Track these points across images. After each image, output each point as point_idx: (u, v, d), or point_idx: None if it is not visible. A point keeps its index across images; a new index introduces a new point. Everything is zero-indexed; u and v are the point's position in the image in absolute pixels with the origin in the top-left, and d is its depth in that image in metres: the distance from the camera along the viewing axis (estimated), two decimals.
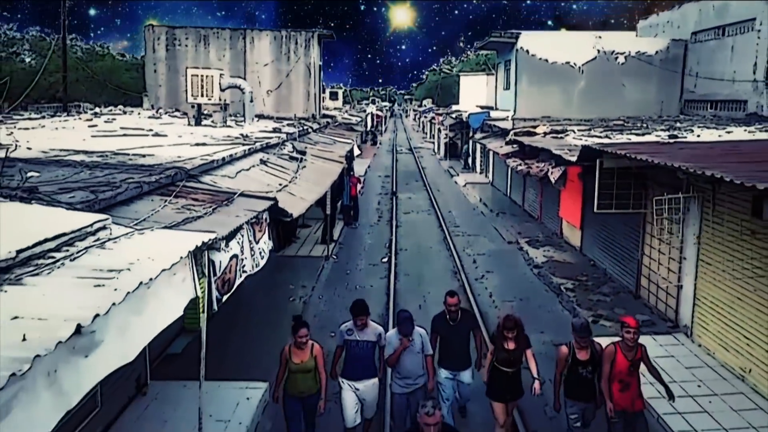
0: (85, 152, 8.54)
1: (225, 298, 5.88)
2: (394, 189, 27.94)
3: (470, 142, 32.75)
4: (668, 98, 23.89)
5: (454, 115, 36.29)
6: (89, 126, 13.68)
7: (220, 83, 15.29)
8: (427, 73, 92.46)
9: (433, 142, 52.99)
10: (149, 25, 23.37)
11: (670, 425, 7.37)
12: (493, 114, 25.40)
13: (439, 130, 45.56)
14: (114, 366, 3.52)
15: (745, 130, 14.99)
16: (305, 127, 18.25)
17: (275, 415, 7.26)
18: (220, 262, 5.60)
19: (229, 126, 15.78)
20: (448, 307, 6.99)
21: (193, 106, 15.55)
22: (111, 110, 19.78)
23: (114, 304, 3.34)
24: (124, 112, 20.06)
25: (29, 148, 8.72)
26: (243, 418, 7.16)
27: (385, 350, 6.61)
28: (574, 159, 10.50)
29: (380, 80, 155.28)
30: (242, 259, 6.31)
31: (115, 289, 3.53)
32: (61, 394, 3.01)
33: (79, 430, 6.17)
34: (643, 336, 10.09)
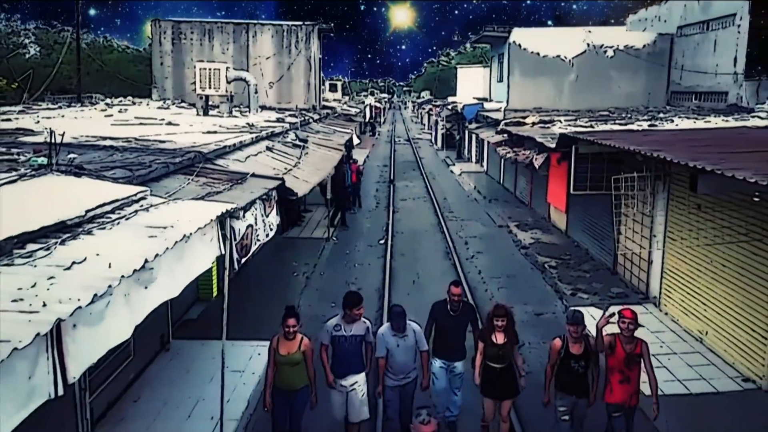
0: (112, 138, 9.50)
1: (243, 260, 6.86)
2: (392, 177, 28.93)
3: (465, 132, 33.69)
4: (655, 90, 24.82)
5: (450, 107, 37.20)
6: (105, 116, 14.63)
7: (226, 76, 16.22)
8: (425, 65, 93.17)
9: (431, 134, 53.89)
10: (155, 19, 24.24)
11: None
12: (487, 105, 26.34)
13: (437, 121, 46.49)
14: (164, 298, 4.52)
15: (722, 119, 15.94)
16: (306, 118, 19.20)
17: None
18: (239, 229, 6.59)
19: (235, 116, 16.74)
20: (451, 297, 6.79)
21: (201, 97, 16.49)
22: (121, 101, 20.69)
23: (168, 248, 4.33)
24: (133, 103, 20.97)
25: (61, 135, 9.66)
26: (255, 369, 8.19)
27: (377, 347, 6.47)
28: (553, 146, 11.48)
29: (386, 78, 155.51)
30: (256, 229, 7.30)
31: (165, 239, 4.52)
32: (132, 312, 4.02)
33: (117, 373, 7.19)
34: (616, 306, 11.23)
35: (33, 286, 3.27)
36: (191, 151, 8.57)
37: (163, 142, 9.62)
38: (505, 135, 17.74)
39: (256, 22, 25.50)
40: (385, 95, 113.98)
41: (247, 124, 14.38)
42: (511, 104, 24.54)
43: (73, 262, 3.70)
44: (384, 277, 13.30)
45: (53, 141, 6.19)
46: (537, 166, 13.59)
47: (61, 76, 22.91)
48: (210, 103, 17.42)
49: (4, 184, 5.34)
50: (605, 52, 24.75)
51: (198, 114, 16.40)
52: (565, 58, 24.79)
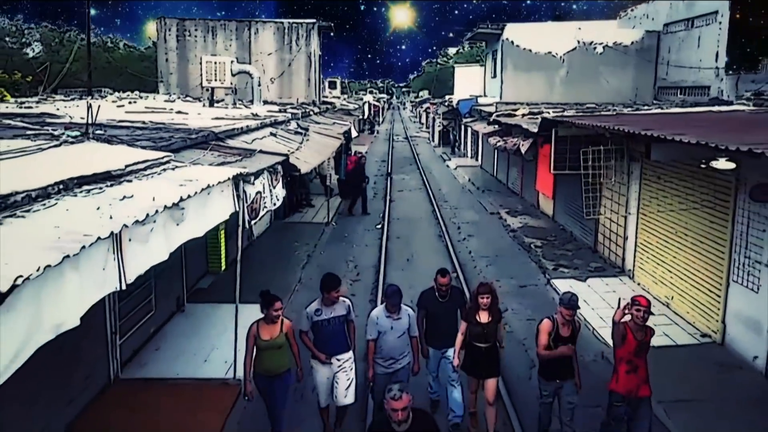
0: (130, 122, 10.42)
1: (253, 222, 7.78)
2: (389, 171, 29.85)
3: (461, 127, 34.60)
4: (643, 85, 25.75)
5: (447, 104, 38.16)
6: (117, 106, 15.53)
7: (231, 69, 17.14)
8: (424, 65, 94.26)
9: (429, 132, 54.82)
10: (161, 17, 25.16)
11: (602, 336, 9.31)
12: (481, 100, 27.28)
13: (434, 119, 47.43)
14: (191, 236, 5.44)
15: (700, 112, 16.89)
16: (307, 110, 20.12)
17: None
18: (250, 193, 7.50)
19: (239, 108, 17.66)
20: (438, 287, 6.74)
21: (207, 89, 17.41)
22: (128, 95, 21.57)
23: (195, 192, 5.26)
24: (141, 97, 21.87)
25: (82, 118, 10.59)
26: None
27: (368, 329, 6.38)
28: (536, 130, 12.42)
29: (384, 79, 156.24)
30: (264, 197, 8.21)
31: (192, 188, 5.43)
32: (168, 241, 4.94)
33: (141, 324, 8.11)
34: (593, 278, 12.19)
35: (98, 209, 4.19)
36: (204, 131, 9.48)
37: (177, 124, 10.53)
38: (496, 126, 18.66)
39: (258, 19, 26.43)
40: (384, 95, 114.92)
41: (252, 113, 15.30)
42: (503, 98, 25.47)
43: (124, 196, 4.62)
44: (380, 256, 14.21)
45: (89, 114, 7.10)
46: (523, 152, 14.51)
47: (69, 71, 23.83)
48: (215, 97, 18.35)
49: (50, 147, 6.26)
50: (594, 48, 25.69)
51: (204, 105, 17.32)
52: (556, 54, 25.72)
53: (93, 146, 6.56)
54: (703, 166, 7.54)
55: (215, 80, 17.15)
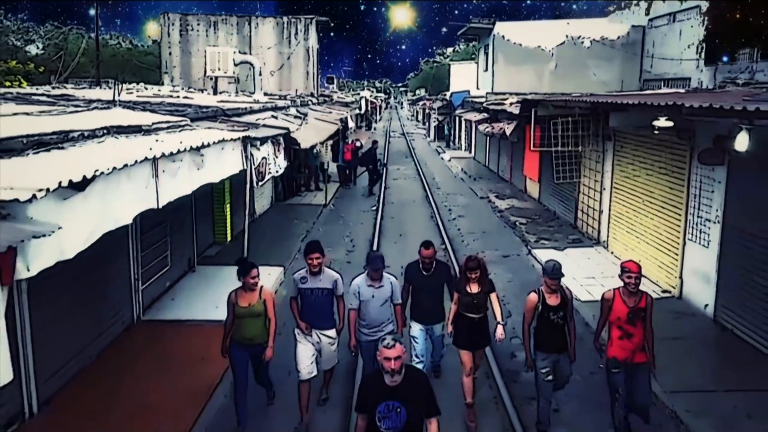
0: (146, 101, 11.38)
1: (259, 184, 8.75)
2: (385, 162, 30.82)
3: (455, 120, 35.59)
4: (628, 77, 26.79)
5: (441, 99, 39.19)
6: (128, 93, 16.47)
7: (233, 59, 18.10)
8: (421, 64, 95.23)
9: (425, 128, 55.86)
10: (164, 12, 26.10)
11: (578, 296, 10.27)
12: (473, 92, 28.29)
13: (429, 115, 48.48)
14: (208, 180, 6.41)
15: None
16: (306, 100, 21.09)
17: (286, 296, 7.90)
18: (257, 157, 8.48)
19: (241, 96, 18.62)
20: (422, 259, 6.59)
21: (210, 79, 18.37)
22: (134, 86, 22.50)
23: (213, 142, 6.23)
24: (146, 88, 22.82)
25: (121, 83, 11.55)
26: (267, 282, 10.05)
27: (350, 298, 6.23)
28: (517, 111, 13.41)
29: (382, 79, 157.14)
30: (269, 163, 9.19)
31: (210, 139, 6.41)
32: (191, 180, 5.91)
33: (158, 276, 9.08)
34: (571, 248, 13.17)
35: (138, 145, 5.15)
36: (213, 107, 10.45)
37: (188, 103, 11.49)
38: (486, 114, 19.64)
39: (258, 15, 27.39)
40: (382, 94, 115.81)
41: (253, 100, 16.26)
42: (495, 90, 26.47)
43: (156, 140, 5.59)
44: (374, 232, 15.19)
45: (115, 88, 8.06)
46: (508, 134, 15.50)
47: (77, 65, 24.83)
48: (218, 88, 19.30)
49: (83, 110, 7.23)
50: (582, 42, 26.74)
51: (208, 94, 18.27)
52: (546, 48, 26.75)
53: (121, 111, 7.52)
54: (656, 132, 8.51)
55: (218, 69, 18.09)
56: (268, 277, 10.49)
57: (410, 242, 14.00)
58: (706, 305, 9.06)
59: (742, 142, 6.23)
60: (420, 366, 6.38)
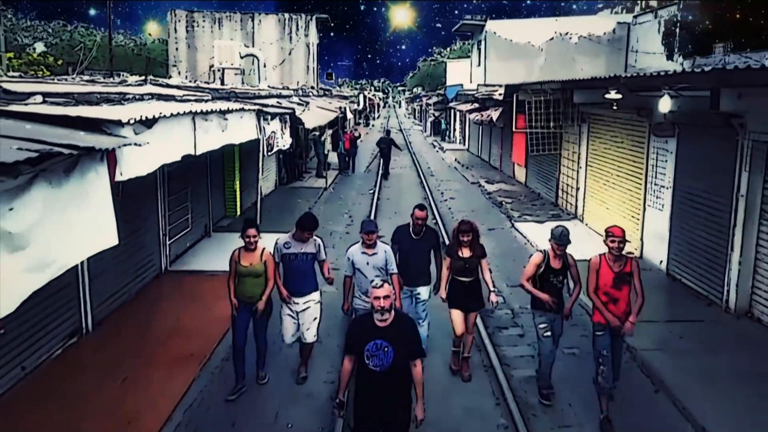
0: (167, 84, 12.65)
1: (269, 154, 10.01)
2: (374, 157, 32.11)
3: (451, 114, 36.90)
4: (614, 72, 28.01)
5: (438, 94, 40.50)
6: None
7: (240, 52, 19.38)
8: (419, 63, 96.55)
9: (422, 124, 57.21)
10: (172, 9, 27.36)
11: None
12: (466, 86, 29.57)
13: (426, 111, 49.82)
14: (231, 141, 7.69)
15: None
16: (307, 91, 22.38)
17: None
18: (267, 130, 9.76)
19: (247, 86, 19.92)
20: (415, 220, 6.73)
21: (219, 70, 19.64)
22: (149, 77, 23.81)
23: (234, 109, 7.51)
24: (156, 80, 24.15)
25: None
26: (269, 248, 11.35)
27: (346, 266, 6.37)
28: (501, 98, 14.71)
29: (381, 78, 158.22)
30: (276, 137, 10.47)
31: (232, 106, 7.69)
32: (218, 137, 7.18)
33: (181, 236, 10.35)
34: (550, 222, 14.46)
35: (177, 105, 6.42)
36: (227, 90, 11.73)
37: (204, 87, 12.77)
38: (476, 104, 20.94)
39: (260, 12, 28.66)
40: (380, 94, 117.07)
41: (259, 88, 17.54)
42: (486, 83, 27.74)
43: (190, 104, 6.86)
44: (371, 210, 16.46)
45: (147, 67, 9.34)
46: (494, 119, 16.79)
47: (87, 58, 26.08)
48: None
49: (124, 85, 8.50)
50: (570, 38, 28.01)
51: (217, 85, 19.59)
52: (535, 44, 28.03)
53: (152, 87, 8.79)
54: (615, 108, 9.80)
55: (226, 62, 19.37)
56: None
57: (405, 218, 15.21)
58: (661, 261, 10.35)
59: (664, 104, 7.50)
60: None
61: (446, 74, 44.57)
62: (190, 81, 25.43)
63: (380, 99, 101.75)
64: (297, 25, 28.08)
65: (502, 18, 30.46)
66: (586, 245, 12.33)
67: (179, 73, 27.55)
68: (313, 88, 28.20)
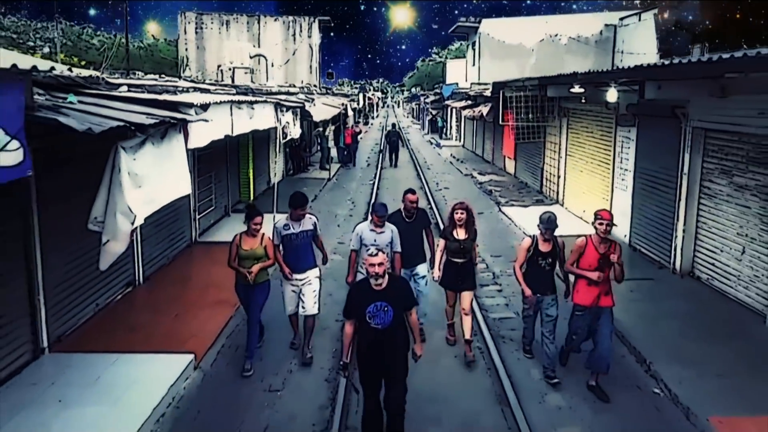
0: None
1: (284, 141, 11.50)
2: (381, 149, 33.61)
3: (447, 112, 38.41)
4: None
5: (435, 93, 42.04)
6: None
7: (249, 52, 20.89)
8: (418, 63, 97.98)
9: (420, 123, 58.71)
10: (182, 11, 28.87)
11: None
12: (461, 85, 31.11)
13: (424, 110, 51.35)
14: (257, 126, 9.19)
15: None
16: (311, 89, 23.90)
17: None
18: (282, 120, 11.25)
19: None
20: (407, 203, 7.08)
21: (229, 69, 21.15)
22: (158, 77, 25.31)
23: (258, 102, 9.02)
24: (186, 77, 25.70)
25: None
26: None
27: (352, 240, 6.85)
28: (489, 94, 16.23)
29: (380, 79, 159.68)
30: (289, 127, 11.96)
31: (256, 99, 9.19)
32: (248, 124, 8.69)
33: (205, 213, 11.86)
34: (534, 207, 15.98)
35: (215, 95, 7.93)
36: (243, 86, 13.24)
37: (223, 83, 14.28)
38: (469, 101, 22.46)
39: (266, 14, 30.18)
40: (379, 94, 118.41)
41: (269, 87, 19.05)
42: (480, 82, 29.28)
43: (220, 94, 8.37)
44: (371, 198, 17.99)
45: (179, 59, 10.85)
46: (485, 114, 18.30)
47: (104, 59, 27.65)
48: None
49: (162, 80, 9.99)
50: (560, 39, 29.55)
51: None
52: (526, 45, 29.57)
53: (184, 83, 10.29)
54: (583, 101, 11.31)
55: (236, 62, 20.88)
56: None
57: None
58: (625, 235, 11.87)
59: (611, 95, 9.01)
60: None
61: (446, 73, 46.11)
62: (200, 80, 26.97)
63: (379, 99, 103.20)
64: (300, 27, 29.59)
65: (502, 18, 31.96)
66: (564, 227, 13.87)
67: (190, 72, 29.06)
68: (315, 86, 29.70)
